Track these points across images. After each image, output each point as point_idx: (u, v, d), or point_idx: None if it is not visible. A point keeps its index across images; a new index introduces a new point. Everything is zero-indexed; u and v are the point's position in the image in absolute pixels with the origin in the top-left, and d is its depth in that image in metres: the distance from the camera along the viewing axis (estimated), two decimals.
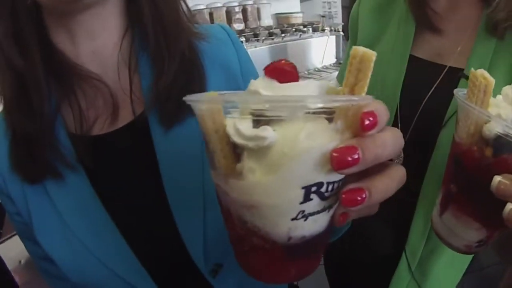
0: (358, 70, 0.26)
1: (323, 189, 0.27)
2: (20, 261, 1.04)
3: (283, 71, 0.27)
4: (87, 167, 0.54)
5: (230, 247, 0.33)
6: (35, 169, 0.53)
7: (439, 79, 0.67)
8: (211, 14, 2.37)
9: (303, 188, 0.26)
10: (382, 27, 0.79)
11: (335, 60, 2.96)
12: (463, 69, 0.64)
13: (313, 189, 0.27)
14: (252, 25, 2.56)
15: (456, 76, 0.64)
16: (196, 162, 0.53)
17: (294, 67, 0.28)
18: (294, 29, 2.57)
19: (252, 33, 2.34)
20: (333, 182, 0.28)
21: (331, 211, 0.30)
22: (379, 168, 0.29)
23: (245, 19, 2.55)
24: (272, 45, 2.37)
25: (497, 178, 0.35)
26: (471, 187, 0.40)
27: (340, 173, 0.27)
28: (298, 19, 2.90)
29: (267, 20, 2.71)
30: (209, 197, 0.53)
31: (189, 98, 0.28)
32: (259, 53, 2.30)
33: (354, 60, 0.26)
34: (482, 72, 0.38)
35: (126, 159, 0.56)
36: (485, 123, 0.38)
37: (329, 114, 0.26)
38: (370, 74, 0.27)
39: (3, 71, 0.51)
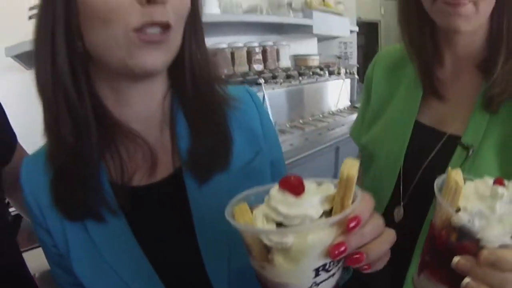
0: (345, 187, 0.38)
1: (327, 267, 0.39)
2: (34, 274, 1.06)
3: (293, 185, 0.38)
4: (127, 213, 0.58)
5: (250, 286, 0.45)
6: (77, 209, 0.57)
7: (439, 145, 0.72)
8: (232, 54, 2.45)
9: (314, 270, 0.38)
10: (393, 90, 0.84)
11: (349, 103, 3.02)
12: (460, 137, 0.69)
13: (321, 268, 0.39)
14: (271, 66, 2.63)
15: (454, 143, 0.69)
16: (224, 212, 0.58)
17: (301, 181, 0.38)
18: (311, 72, 2.63)
19: (271, 74, 2.41)
20: (333, 261, 0.39)
21: (336, 275, 0.41)
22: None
23: (265, 60, 2.63)
24: (290, 87, 2.44)
25: (456, 258, 0.45)
26: (440, 260, 0.49)
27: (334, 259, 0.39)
28: (315, 61, 2.97)
29: (285, 62, 2.78)
30: (233, 245, 0.58)
31: (233, 223, 0.38)
32: (277, 95, 2.36)
33: (342, 180, 0.38)
34: (455, 176, 0.46)
35: (163, 208, 0.60)
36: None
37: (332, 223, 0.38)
38: (354, 188, 0.38)
39: (62, 112, 0.54)
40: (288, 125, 2.41)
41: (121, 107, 0.58)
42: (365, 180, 0.86)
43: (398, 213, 0.75)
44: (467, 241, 0.45)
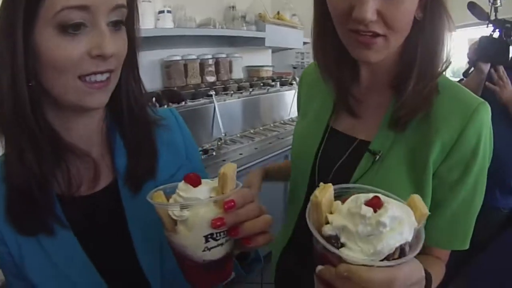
0: (222, 180, 0.54)
1: (214, 236, 0.55)
2: None
3: (192, 179, 0.55)
4: (73, 222, 0.67)
5: (182, 281, 0.60)
6: (29, 224, 0.65)
7: (351, 149, 0.80)
8: (185, 66, 2.52)
9: (204, 236, 0.54)
10: (311, 103, 0.95)
11: None
12: (369, 142, 0.76)
13: (209, 236, 0.54)
14: (224, 77, 2.72)
15: (364, 148, 0.76)
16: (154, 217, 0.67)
17: (198, 177, 0.55)
18: (262, 83, 2.74)
19: (223, 86, 2.49)
20: (219, 232, 0.55)
21: (225, 246, 0.56)
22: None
23: (217, 72, 2.71)
24: (241, 98, 2.53)
25: (318, 267, 0.52)
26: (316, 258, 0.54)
27: (217, 230, 0.54)
28: (268, 72, 3.08)
29: (238, 73, 2.88)
30: (165, 246, 0.66)
31: (151, 202, 0.55)
32: (228, 106, 2.45)
33: (220, 175, 0.54)
34: (315, 192, 0.51)
35: (103, 215, 0.70)
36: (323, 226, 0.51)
37: (214, 202, 0.55)
38: (230, 182, 0.54)
39: (23, 139, 0.60)
40: (238, 135, 2.51)
41: (68, 131, 0.66)
42: (290, 180, 0.96)
43: None
44: (329, 253, 0.48)
